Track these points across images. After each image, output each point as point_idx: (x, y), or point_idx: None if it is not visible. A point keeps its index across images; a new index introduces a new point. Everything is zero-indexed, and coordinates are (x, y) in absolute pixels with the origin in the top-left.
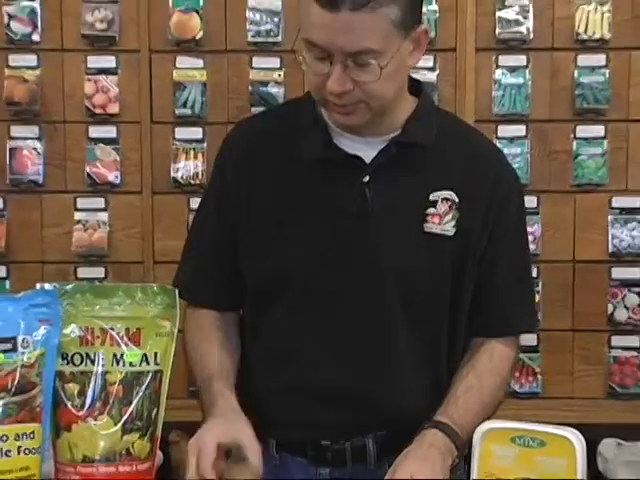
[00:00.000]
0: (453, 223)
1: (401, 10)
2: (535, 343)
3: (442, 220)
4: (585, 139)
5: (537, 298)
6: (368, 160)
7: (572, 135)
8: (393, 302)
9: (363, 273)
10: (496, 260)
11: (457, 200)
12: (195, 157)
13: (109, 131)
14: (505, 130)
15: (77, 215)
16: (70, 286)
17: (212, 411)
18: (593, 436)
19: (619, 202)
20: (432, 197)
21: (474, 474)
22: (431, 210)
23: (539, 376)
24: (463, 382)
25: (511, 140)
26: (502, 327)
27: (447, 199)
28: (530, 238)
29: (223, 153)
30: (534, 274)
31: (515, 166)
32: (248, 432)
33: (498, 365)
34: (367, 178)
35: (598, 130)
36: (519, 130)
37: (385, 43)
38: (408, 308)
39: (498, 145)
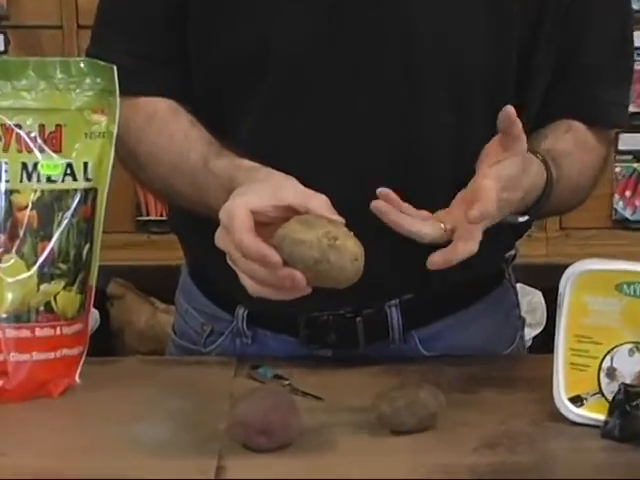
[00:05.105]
0: None
1: None
2: None
3: None
4: None
5: None
6: None
7: None
8: (433, 88)
9: (387, 46)
10: (586, 23)
11: None
12: None
13: None
14: None
15: None
16: None
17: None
18: None
19: None
20: None
21: (561, 335)
22: None
23: None
24: (561, 142)
25: None
26: (589, 113)
27: None
28: None
29: None
30: None
31: None
32: (293, 186)
33: (593, 151)
34: None
35: None
36: None
37: None
38: (456, 100)
39: None
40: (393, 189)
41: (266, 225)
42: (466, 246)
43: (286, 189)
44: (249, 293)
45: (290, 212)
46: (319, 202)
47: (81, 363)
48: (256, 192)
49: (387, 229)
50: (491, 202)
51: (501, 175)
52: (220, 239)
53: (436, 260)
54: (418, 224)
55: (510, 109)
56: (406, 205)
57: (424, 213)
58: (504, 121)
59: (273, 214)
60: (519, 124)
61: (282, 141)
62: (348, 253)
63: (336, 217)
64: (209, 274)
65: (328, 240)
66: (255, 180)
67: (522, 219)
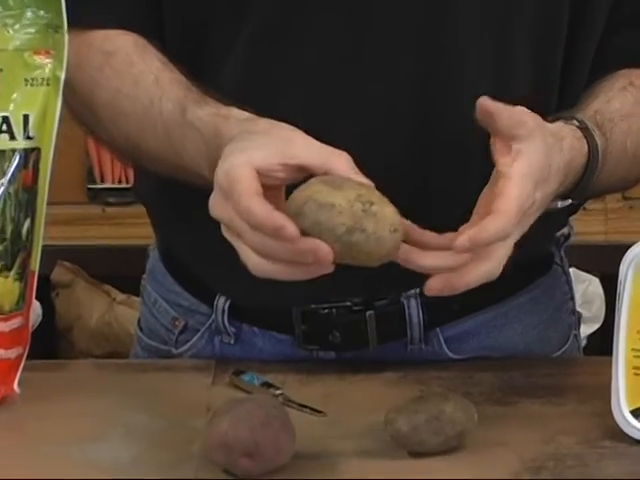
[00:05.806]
0: None
1: None
2: None
3: None
4: None
5: None
6: None
7: None
8: (468, 30)
9: None
10: None
11: None
12: None
13: None
14: None
15: None
16: None
17: (223, 151)
18: None
19: None
20: None
21: (621, 333)
22: None
23: None
24: (615, 101)
25: None
26: None
27: None
28: None
29: None
30: None
31: None
32: (306, 140)
33: None
34: None
35: None
36: None
37: None
38: (496, 42)
39: None
40: (415, 161)
41: (269, 189)
42: (480, 268)
43: (298, 144)
44: (253, 273)
45: (303, 173)
46: (342, 161)
47: (20, 368)
48: (261, 147)
49: (407, 202)
50: (502, 220)
51: (528, 172)
52: (217, 207)
53: (434, 286)
54: (435, 257)
55: (484, 100)
56: (420, 233)
57: (448, 238)
58: (483, 117)
59: (282, 175)
60: (502, 110)
61: (275, 88)
62: (387, 221)
63: (365, 180)
64: (184, 255)
65: (362, 204)
66: (254, 132)
67: (564, 204)
